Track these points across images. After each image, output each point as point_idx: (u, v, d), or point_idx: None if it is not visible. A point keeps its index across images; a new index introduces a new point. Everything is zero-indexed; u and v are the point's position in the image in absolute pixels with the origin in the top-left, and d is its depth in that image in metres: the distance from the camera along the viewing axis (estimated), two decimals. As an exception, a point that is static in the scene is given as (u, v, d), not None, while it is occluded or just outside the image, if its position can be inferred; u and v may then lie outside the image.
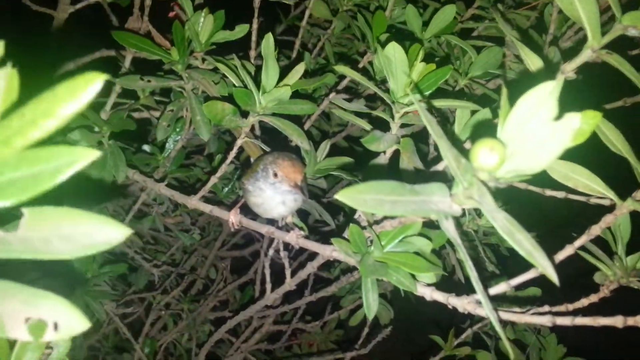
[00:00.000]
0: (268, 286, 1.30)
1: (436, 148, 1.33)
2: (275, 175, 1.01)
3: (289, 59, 1.69)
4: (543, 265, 0.60)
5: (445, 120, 1.14)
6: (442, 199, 0.65)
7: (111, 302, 1.61)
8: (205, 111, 1.00)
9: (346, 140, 1.93)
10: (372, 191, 0.61)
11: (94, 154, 0.37)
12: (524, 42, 1.19)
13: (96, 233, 0.47)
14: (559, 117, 0.58)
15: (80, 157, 0.37)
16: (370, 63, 1.44)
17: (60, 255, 0.44)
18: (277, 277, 1.30)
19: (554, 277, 0.59)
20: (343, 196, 0.59)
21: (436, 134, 0.65)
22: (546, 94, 0.56)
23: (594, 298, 0.91)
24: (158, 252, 2.00)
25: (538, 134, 0.57)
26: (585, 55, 0.82)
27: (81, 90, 0.35)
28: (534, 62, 0.83)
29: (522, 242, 0.61)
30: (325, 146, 1.25)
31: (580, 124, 0.60)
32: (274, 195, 1.03)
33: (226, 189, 1.54)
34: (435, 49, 1.41)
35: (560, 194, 1.12)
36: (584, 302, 0.91)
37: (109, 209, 1.74)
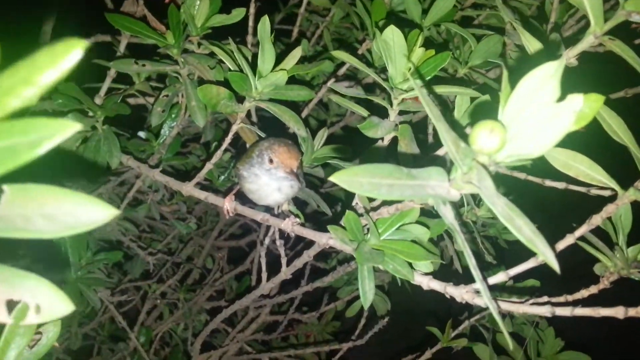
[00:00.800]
0: (264, 275, 1.28)
1: (435, 136, 1.31)
2: (271, 161, 0.99)
3: (287, 47, 1.66)
4: (544, 252, 0.58)
5: (445, 108, 1.12)
6: (440, 183, 0.64)
7: (106, 289, 1.59)
8: (200, 95, 0.98)
9: (344, 131, 1.91)
10: (368, 174, 0.59)
11: (74, 127, 0.35)
12: (525, 28, 1.17)
13: (81, 212, 0.45)
14: (561, 99, 0.56)
15: (60, 130, 0.35)
16: (369, 51, 1.42)
17: (42, 234, 0.42)
18: (274, 267, 1.29)
19: (554, 264, 0.58)
20: (338, 178, 0.57)
21: (434, 116, 0.63)
22: (548, 75, 0.54)
23: (593, 289, 0.90)
24: (154, 240, 1.99)
25: (540, 116, 0.56)
26: (588, 41, 0.80)
27: (62, 57, 0.33)
28: (535, 47, 0.82)
29: (522, 228, 0.59)
30: (322, 134, 1.23)
31: (582, 107, 0.59)
32: (270, 181, 1.01)
33: (222, 177, 1.53)
34: (434, 38, 1.39)
35: (560, 185, 1.10)
36: (583, 293, 0.90)
37: (105, 196, 1.73)
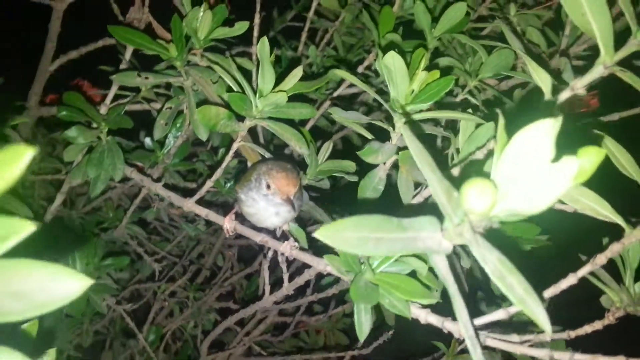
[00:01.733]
0: (267, 288, 1.28)
1: (443, 150, 1.28)
2: (268, 187, 0.98)
3: (296, 51, 1.63)
4: (535, 313, 0.56)
5: (451, 128, 1.09)
6: (431, 234, 0.61)
7: (111, 297, 1.60)
8: (199, 117, 0.96)
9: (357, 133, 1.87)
10: (354, 228, 0.57)
11: (30, 227, 0.34)
12: (537, 42, 1.12)
13: (52, 287, 0.43)
14: (557, 158, 0.53)
15: (16, 231, 0.34)
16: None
17: (9, 316, 0.41)
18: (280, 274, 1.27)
19: (546, 325, 0.56)
20: (322, 235, 0.56)
21: (426, 165, 0.61)
22: (543, 134, 0.51)
23: (597, 325, 0.87)
24: (164, 240, 1.99)
25: (534, 175, 0.53)
26: (597, 71, 0.76)
27: (7, 167, 0.31)
28: (542, 78, 0.78)
29: (514, 287, 0.57)
30: (327, 147, 1.20)
31: (580, 164, 0.56)
32: (267, 206, 1.00)
33: (229, 184, 1.52)
34: (446, 46, 1.34)
35: (569, 208, 1.07)
36: (587, 329, 0.87)
37: (114, 199, 1.74)
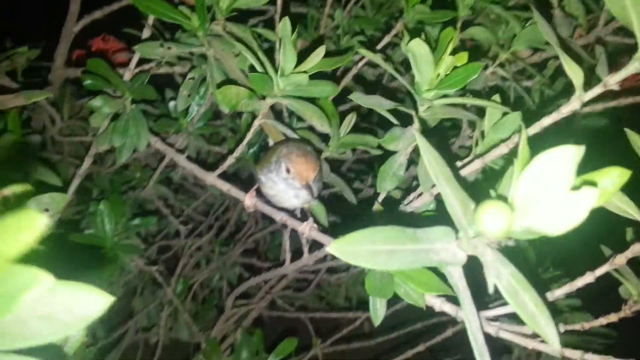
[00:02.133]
0: (288, 256, 1.31)
1: (471, 125, 1.25)
2: (288, 171, 0.98)
3: (322, 9, 1.58)
4: (544, 331, 0.56)
5: (476, 112, 1.06)
6: (446, 245, 0.61)
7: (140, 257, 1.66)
8: (218, 97, 0.96)
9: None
10: (367, 240, 0.58)
11: (48, 280, 0.35)
12: (575, 13, 1.06)
13: (76, 307, 0.44)
14: (580, 171, 0.52)
15: (34, 283, 0.35)
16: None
17: (39, 339, 0.42)
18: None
19: (556, 344, 0.56)
20: (335, 249, 0.56)
21: (439, 176, 0.60)
22: (564, 160, 0.50)
23: (613, 318, 0.87)
24: (191, 197, 2.03)
25: (554, 199, 0.52)
26: (634, 67, 0.72)
27: (19, 235, 0.32)
28: (574, 72, 0.74)
29: (526, 304, 0.57)
30: (350, 120, 1.19)
31: (603, 185, 0.54)
32: (287, 189, 1.00)
33: (252, 150, 1.52)
34: (477, 13, 1.28)
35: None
36: (602, 321, 0.87)
37: (141, 159, 1.77)
